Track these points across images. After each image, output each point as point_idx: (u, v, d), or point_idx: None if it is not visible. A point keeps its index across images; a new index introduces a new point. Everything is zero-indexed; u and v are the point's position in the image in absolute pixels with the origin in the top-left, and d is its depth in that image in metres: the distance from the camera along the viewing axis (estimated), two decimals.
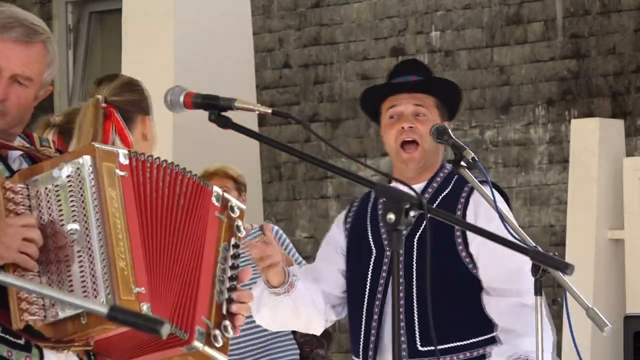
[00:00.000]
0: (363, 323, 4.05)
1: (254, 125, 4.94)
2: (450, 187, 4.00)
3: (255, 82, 6.97)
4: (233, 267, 3.03)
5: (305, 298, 3.99)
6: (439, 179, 4.02)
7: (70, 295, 2.70)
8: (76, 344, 2.89)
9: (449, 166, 4.01)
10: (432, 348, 3.93)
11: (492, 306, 4.03)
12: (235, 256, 3.04)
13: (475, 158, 3.82)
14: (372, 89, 4.24)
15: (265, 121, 6.34)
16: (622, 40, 7.31)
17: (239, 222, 3.05)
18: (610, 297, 6.71)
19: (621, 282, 6.61)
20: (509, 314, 4.02)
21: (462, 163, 3.81)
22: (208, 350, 2.93)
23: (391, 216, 2.96)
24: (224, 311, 2.99)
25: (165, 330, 2.36)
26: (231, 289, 3.02)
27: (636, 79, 7.30)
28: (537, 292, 3.57)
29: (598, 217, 6.75)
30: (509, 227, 3.83)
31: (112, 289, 2.78)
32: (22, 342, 2.83)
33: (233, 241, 3.04)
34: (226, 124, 3.14)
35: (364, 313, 4.05)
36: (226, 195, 3.06)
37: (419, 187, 3.92)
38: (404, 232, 2.99)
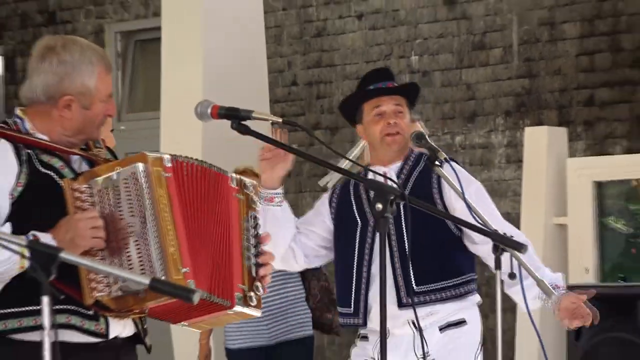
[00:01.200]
0: (354, 279, 4.01)
1: (267, 132, 4.92)
2: (421, 163, 4.00)
3: (269, 97, 6.99)
4: (255, 236, 3.01)
5: (290, 224, 3.94)
6: (412, 158, 4.01)
7: (132, 273, 2.72)
8: (134, 312, 2.89)
9: (416, 150, 4.01)
10: (425, 288, 3.89)
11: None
12: (256, 225, 3.01)
13: (447, 158, 3.84)
14: (363, 92, 4.17)
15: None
16: (565, 63, 7.32)
17: (254, 197, 3.02)
18: (556, 272, 6.70)
19: (564, 260, 6.61)
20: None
21: (437, 163, 3.78)
22: (247, 310, 2.94)
23: (379, 206, 3.01)
24: (254, 274, 2.97)
25: (196, 297, 2.47)
26: (257, 255, 3.00)
27: (577, 95, 7.29)
28: (497, 267, 3.52)
29: (546, 206, 6.77)
30: (475, 212, 3.82)
31: (165, 270, 2.78)
32: (91, 313, 2.82)
33: (252, 213, 3.01)
34: (245, 130, 3.15)
35: (354, 272, 4.00)
36: (240, 177, 3.03)
37: (397, 165, 3.98)
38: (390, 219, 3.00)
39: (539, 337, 4.04)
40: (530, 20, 7.41)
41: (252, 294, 2.96)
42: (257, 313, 3.03)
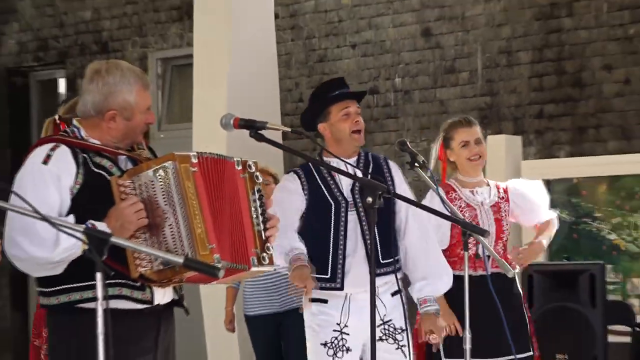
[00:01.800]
0: (331, 252, 3.92)
1: (279, 139, 4.96)
2: (371, 159, 3.95)
3: (280, 111, 6.94)
4: (261, 205, 2.97)
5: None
6: (363, 154, 3.95)
7: (167, 253, 2.72)
8: (173, 281, 2.88)
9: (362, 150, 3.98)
10: (387, 262, 3.86)
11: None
12: (260, 197, 2.97)
13: (425, 161, 3.81)
14: (333, 96, 4.05)
15: (286, 137, 6.34)
16: (520, 83, 7.28)
17: (257, 173, 2.98)
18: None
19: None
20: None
21: (416, 164, 3.77)
22: (261, 268, 2.94)
23: (369, 199, 3.05)
24: (264, 237, 2.94)
25: (221, 273, 2.54)
26: (264, 221, 2.96)
27: (529, 109, 7.24)
28: (465, 249, 3.64)
29: None
30: (447, 206, 3.82)
31: (194, 248, 2.76)
32: (138, 284, 2.80)
33: (256, 187, 2.97)
34: (260, 138, 3.16)
35: (331, 246, 3.90)
36: (242, 159, 2.98)
37: (354, 159, 3.90)
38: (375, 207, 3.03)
39: (496, 300, 3.99)
40: (492, 49, 7.41)
41: (264, 254, 2.94)
42: (270, 268, 3.01)
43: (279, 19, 7.76)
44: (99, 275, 2.42)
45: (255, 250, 2.91)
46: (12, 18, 9.72)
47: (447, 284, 3.98)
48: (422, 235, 3.98)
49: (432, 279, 3.96)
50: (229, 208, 2.90)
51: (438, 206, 3.89)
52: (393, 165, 4.05)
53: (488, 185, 4.56)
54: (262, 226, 2.95)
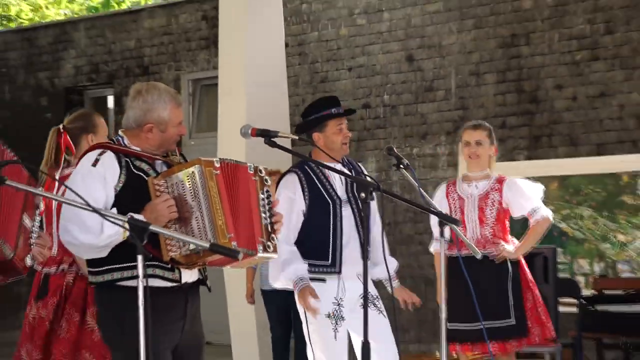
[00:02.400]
0: (331, 243, 3.82)
1: (288, 145, 4.93)
2: (347, 162, 3.88)
3: (289, 123, 6.92)
4: (268, 203, 2.96)
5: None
6: (345, 159, 3.86)
7: (194, 239, 2.70)
8: (198, 264, 2.85)
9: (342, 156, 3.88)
10: (369, 250, 3.72)
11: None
12: (268, 196, 2.96)
13: (408, 163, 3.74)
14: (333, 114, 3.97)
15: (294, 143, 6.34)
16: (486, 100, 7.23)
17: (266, 176, 2.96)
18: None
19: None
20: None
21: (401, 166, 3.68)
22: (267, 254, 2.91)
23: (362, 195, 3.04)
24: (269, 229, 2.93)
25: (240, 256, 2.57)
26: (270, 216, 2.94)
27: (494, 121, 6.85)
28: (442, 235, 3.48)
29: None
30: (426, 199, 3.74)
31: (216, 236, 2.75)
32: (169, 266, 2.77)
33: (265, 188, 2.95)
34: (273, 144, 3.15)
35: (331, 238, 3.81)
36: (254, 164, 2.97)
37: (340, 163, 3.80)
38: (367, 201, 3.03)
39: (466, 276, 3.81)
40: (463, 72, 7.36)
41: (269, 243, 2.91)
42: (274, 255, 2.97)
43: (289, 47, 7.71)
44: (140, 257, 2.40)
45: (262, 240, 2.88)
46: (70, 46, 9.72)
47: (395, 266, 4.00)
48: (378, 229, 3.94)
49: (389, 263, 3.89)
50: (243, 205, 2.89)
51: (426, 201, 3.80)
52: (362, 167, 4.01)
53: (489, 178, 4.41)
54: (268, 220, 2.93)
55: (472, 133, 4.42)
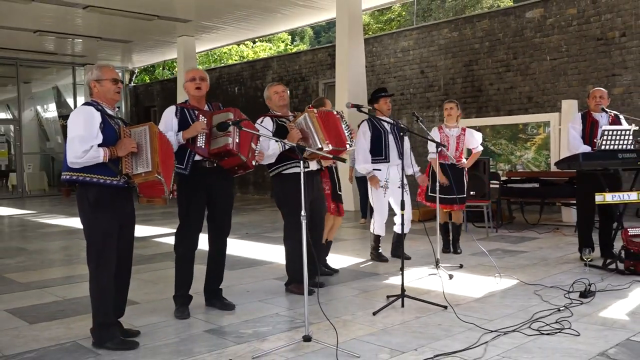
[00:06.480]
0: (384, 150, 4.48)
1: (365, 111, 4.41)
2: (393, 119, 4.21)
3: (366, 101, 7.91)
4: (347, 127, 3.30)
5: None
6: (390, 118, 4.33)
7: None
8: (315, 158, 3.35)
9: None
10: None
11: None
12: (347, 124, 3.26)
13: (422, 119, 4.09)
14: (384, 94, 4.60)
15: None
16: (457, 91, 9.27)
17: (344, 116, 3.18)
18: None
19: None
20: None
21: (418, 120, 4.19)
22: (351, 149, 3.37)
23: (401, 133, 3.56)
24: (349, 137, 3.45)
25: (326, 149, 2.85)
26: (349, 132, 3.43)
27: (461, 100, 9.31)
28: (436, 150, 4.35)
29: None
30: (429, 135, 4.25)
31: (322, 144, 3.12)
32: (303, 161, 2.91)
33: (344, 120, 3.29)
34: (360, 110, 3.59)
35: (384, 148, 4.48)
36: (337, 110, 3.13)
37: (389, 119, 4.25)
38: None
39: (449, 173, 4.69)
40: (446, 78, 9.24)
41: (351, 142, 3.26)
42: (353, 148, 3.13)
43: (366, 68, 10.15)
44: (301, 156, 2.73)
45: (348, 143, 3.38)
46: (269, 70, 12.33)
47: (418, 168, 4.68)
48: (407, 147, 4.73)
49: (414, 165, 4.77)
50: (334, 127, 3.33)
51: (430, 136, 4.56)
52: (400, 121, 4.28)
53: (458, 127, 5.23)
54: (347, 132, 3.45)
55: (450, 104, 5.23)
